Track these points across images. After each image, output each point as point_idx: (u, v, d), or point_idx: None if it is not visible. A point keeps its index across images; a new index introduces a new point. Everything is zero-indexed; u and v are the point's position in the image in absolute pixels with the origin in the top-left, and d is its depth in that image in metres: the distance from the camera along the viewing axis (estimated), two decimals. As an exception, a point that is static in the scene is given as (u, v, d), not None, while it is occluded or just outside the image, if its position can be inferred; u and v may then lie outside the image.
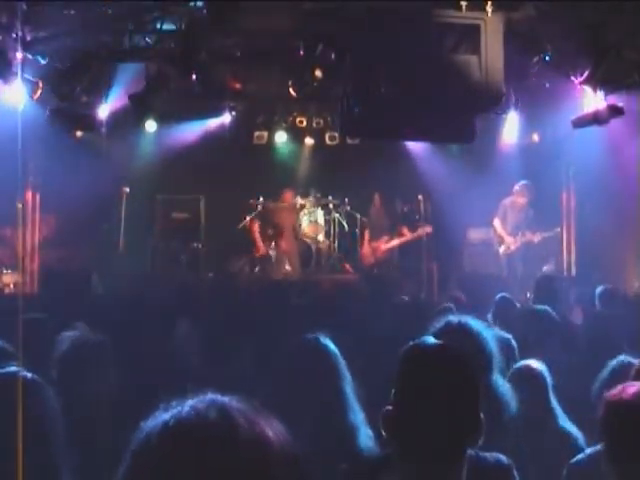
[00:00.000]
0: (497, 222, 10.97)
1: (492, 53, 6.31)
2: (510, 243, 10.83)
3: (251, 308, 5.94)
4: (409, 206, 11.85)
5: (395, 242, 11.52)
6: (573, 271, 11.37)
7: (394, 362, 2.02)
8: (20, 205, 8.87)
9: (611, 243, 10.06)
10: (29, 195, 10.46)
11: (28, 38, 6.96)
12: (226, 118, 10.92)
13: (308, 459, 1.19)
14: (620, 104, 7.56)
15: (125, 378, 3.44)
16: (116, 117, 8.93)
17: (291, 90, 8.92)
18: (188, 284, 7.86)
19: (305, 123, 11.72)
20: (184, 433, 1.09)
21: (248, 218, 11.91)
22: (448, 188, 11.05)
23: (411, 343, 2.07)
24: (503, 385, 3.04)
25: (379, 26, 6.33)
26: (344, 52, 7.10)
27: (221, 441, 1.08)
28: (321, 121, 11.72)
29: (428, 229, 11.30)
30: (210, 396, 1.15)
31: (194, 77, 7.79)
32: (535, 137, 11.48)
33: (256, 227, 11.57)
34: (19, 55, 6.96)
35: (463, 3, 6.29)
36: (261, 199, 11.95)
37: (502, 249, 10.91)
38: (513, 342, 4.02)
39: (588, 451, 2.76)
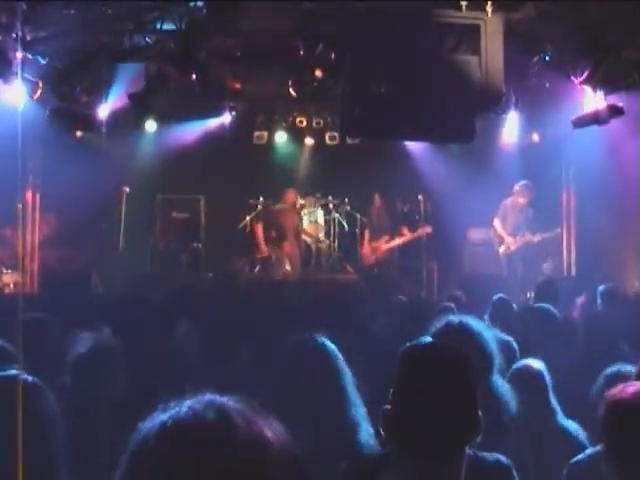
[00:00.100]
0: (497, 222, 10.97)
1: (492, 53, 6.31)
2: (510, 243, 10.83)
3: (251, 308, 5.94)
4: (409, 206, 11.85)
5: (395, 242, 11.52)
6: (573, 271, 11.38)
7: (394, 362, 2.03)
8: (20, 205, 8.87)
9: (611, 243, 10.06)
10: (29, 195, 10.46)
11: (28, 38, 6.96)
12: (226, 118, 10.91)
13: (308, 459, 1.18)
14: (620, 104, 7.56)
15: (125, 378, 3.44)
16: (116, 117, 8.92)
17: (291, 90, 8.93)
18: (188, 284, 7.85)
19: (305, 123, 11.71)
20: (182, 434, 1.09)
21: (248, 218, 11.91)
22: (448, 188, 11.05)
23: (409, 343, 2.08)
24: (503, 386, 3.04)
25: (379, 26, 6.33)
26: (344, 52, 7.10)
27: (219, 441, 1.08)
28: (321, 121, 11.71)
29: (428, 229, 11.30)
30: (208, 396, 1.15)
31: (194, 77, 7.79)
32: (535, 137, 11.48)
33: (259, 229, 11.55)
34: (19, 55, 6.96)
35: (463, 3, 6.29)
36: (261, 199, 11.95)
37: (502, 249, 10.90)
38: (514, 344, 4.02)
39: (588, 451, 2.76)
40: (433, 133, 7.13)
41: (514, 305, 6.23)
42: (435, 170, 11.33)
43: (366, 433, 2.79)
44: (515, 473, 2.29)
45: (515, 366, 3.51)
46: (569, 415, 3.45)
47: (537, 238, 10.78)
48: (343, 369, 3.02)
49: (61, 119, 8.16)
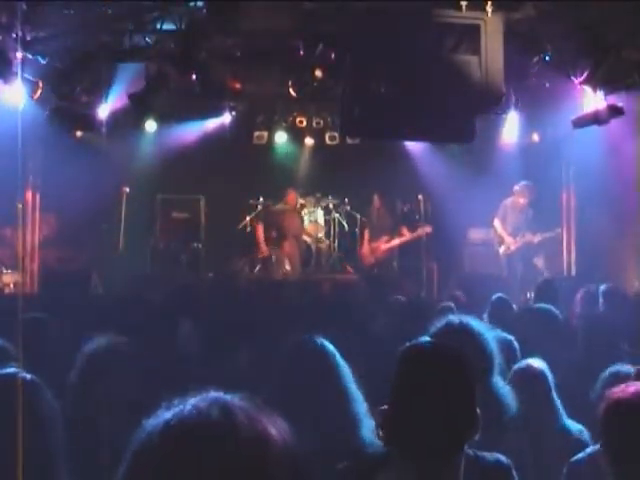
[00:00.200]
0: (497, 222, 10.97)
1: (492, 53, 6.31)
2: (510, 243, 10.82)
3: (251, 308, 5.94)
4: (409, 206, 11.85)
5: (394, 242, 11.51)
6: (573, 271, 11.38)
7: (394, 362, 2.03)
8: (20, 205, 8.86)
9: (611, 243, 10.06)
10: (29, 195, 10.46)
11: (28, 38, 6.95)
12: (226, 118, 10.92)
13: (310, 457, 1.19)
14: (620, 104, 7.56)
15: (137, 380, 3.43)
16: (116, 117, 8.92)
17: (291, 90, 8.92)
18: (188, 284, 7.85)
19: (305, 123, 11.72)
20: (185, 431, 1.09)
21: (248, 218, 11.92)
22: (448, 188, 11.05)
23: (408, 344, 2.09)
24: (503, 387, 3.04)
25: (379, 26, 6.33)
26: (344, 52, 7.10)
27: (222, 439, 1.08)
28: (321, 121, 11.71)
29: (428, 229, 11.30)
30: (213, 394, 1.15)
31: (194, 77, 7.79)
32: (535, 137, 11.47)
33: (260, 230, 11.55)
34: (19, 55, 6.96)
35: (463, 3, 6.29)
36: (261, 199, 11.96)
37: (502, 249, 10.90)
38: (515, 344, 4.01)
39: (588, 450, 2.76)
40: (433, 133, 7.13)
41: (513, 305, 6.22)
42: (435, 170, 11.33)
43: (368, 429, 2.79)
44: (515, 473, 2.29)
45: (517, 366, 3.50)
46: (569, 415, 3.44)
47: (537, 238, 10.78)
48: (343, 369, 3.02)
49: (61, 119, 8.16)
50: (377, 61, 6.48)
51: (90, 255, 10.55)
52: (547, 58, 7.78)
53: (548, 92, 9.01)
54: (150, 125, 10.30)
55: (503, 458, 2.28)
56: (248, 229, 11.93)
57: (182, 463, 1.06)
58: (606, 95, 7.60)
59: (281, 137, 11.99)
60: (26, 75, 7.33)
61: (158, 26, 7.50)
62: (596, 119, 7.76)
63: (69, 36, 7.42)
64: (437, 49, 6.43)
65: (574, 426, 3.35)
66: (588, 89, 7.71)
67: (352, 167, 11.57)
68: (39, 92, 7.52)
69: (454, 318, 3.10)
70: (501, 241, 10.93)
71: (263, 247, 11.43)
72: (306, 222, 12.00)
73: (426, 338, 2.43)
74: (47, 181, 10.36)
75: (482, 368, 2.86)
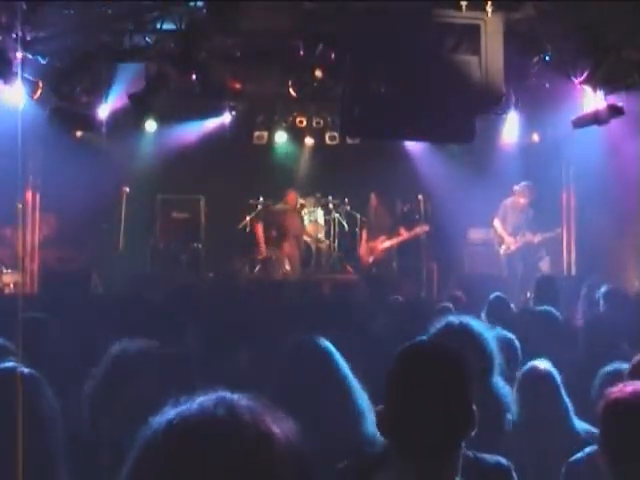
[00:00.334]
0: (497, 222, 10.97)
1: (492, 53, 6.31)
2: (510, 243, 10.82)
3: (251, 308, 5.94)
4: (409, 206, 11.85)
5: (392, 242, 11.49)
6: (573, 271, 11.38)
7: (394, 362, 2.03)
8: (20, 205, 8.87)
9: (611, 243, 10.06)
10: (29, 195, 10.46)
11: (28, 38, 6.95)
12: (226, 118, 10.92)
13: (316, 457, 1.19)
14: (620, 104, 7.55)
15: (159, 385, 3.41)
16: (116, 117, 8.92)
17: (291, 90, 8.92)
18: (188, 284, 7.85)
19: (305, 123, 11.72)
20: (190, 429, 1.09)
21: (249, 218, 11.92)
22: (448, 188, 11.05)
23: (404, 344, 2.09)
24: (503, 387, 3.04)
25: (379, 26, 6.33)
26: (344, 52, 7.10)
27: (227, 437, 1.08)
28: (321, 121, 11.71)
29: (425, 228, 11.29)
30: (218, 393, 1.16)
31: (194, 77, 7.79)
32: (535, 137, 11.47)
33: (260, 229, 11.55)
34: (19, 55, 6.95)
35: (463, 3, 6.29)
36: (261, 199, 11.96)
37: (502, 249, 10.90)
38: (516, 342, 4.01)
39: (587, 450, 2.75)
40: (433, 133, 7.13)
41: (511, 304, 6.22)
42: (435, 170, 11.33)
43: (372, 424, 2.79)
44: (515, 475, 2.28)
45: (524, 369, 3.48)
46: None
47: (537, 238, 10.78)
48: (343, 368, 3.02)
49: (61, 119, 8.16)
50: (377, 61, 6.49)
51: (90, 255, 10.55)
52: (547, 58, 7.78)
53: (548, 92, 9.01)
54: (150, 125, 10.30)
55: (503, 460, 2.27)
56: (248, 229, 11.93)
57: (187, 461, 1.06)
58: (606, 95, 7.60)
59: (281, 137, 11.99)
60: (26, 75, 7.32)
61: (158, 26, 7.50)
62: (596, 119, 7.77)
63: (69, 36, 7.42)
64: (437, 49, 6.43)
65: (582, 426, 3.33)
66: (588, 89, 7.71)
67: (352, 167, 11.57)
68: (39, 92, 7.52)
69: (454, 318, 3.10)
70: (501, 241, 10.93)
71: (263, 247, 11.43)
72: (306, 222, 12.00)
73: (422, 338, 2.44)
74: (47, 181, 10.36)
75: (482, 368, 2.86)
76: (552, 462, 2.97)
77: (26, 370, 2.34)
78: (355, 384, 2.96)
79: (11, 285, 9.85)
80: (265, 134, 11.97)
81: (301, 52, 7.68)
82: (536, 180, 10.82)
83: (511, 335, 4.01)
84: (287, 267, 11.31)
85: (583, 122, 8.15)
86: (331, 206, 12.25)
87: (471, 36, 6.37)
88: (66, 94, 7.88)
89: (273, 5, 6.80)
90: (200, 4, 7.04)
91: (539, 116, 10.38)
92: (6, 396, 2.00)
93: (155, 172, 11.30)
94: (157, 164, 11.16)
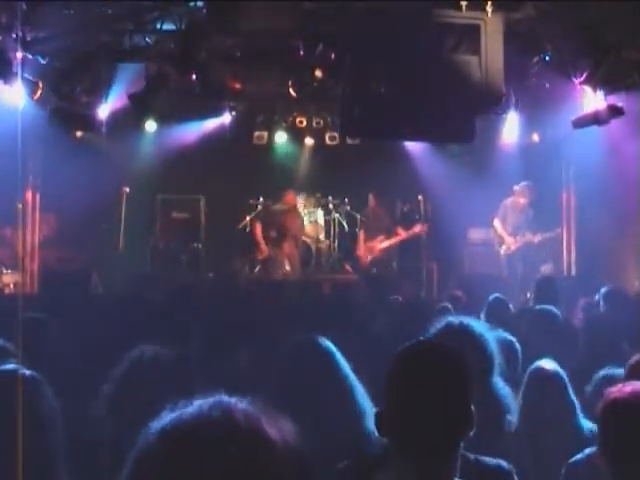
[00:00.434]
0: (497, 222, 10.97)
1: (492, 53, 6.31)
2: (510, 243, 10.82)
3: (251, 308, 5.94)
4: (409, 206, 11.85)
5: (390, 241, 11.48)
6: (573, 271, 11.38)
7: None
8: (20, 205, 8.87)
9: (611, 243, 10.06)
10: (29, 195, 10.46)
11: (28, 38, 6.95)
12: (226, 118, 10.92)
13: (312, 457, 1.19)
14: (620, 104, 7.55)
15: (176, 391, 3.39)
16: (116, 117, 8.92)
17: (291, 90, 8.92)
18: (188, 284, 7.85)
19: (305, 123, 11.71)
20: (186, 433, 1.10)
21: (248, 218, 11.92)
22: (448, 188, 11.05)
23: (403, 344, 2.09)
24: (503, 387, 3.04)
25: (379, 26, 6.33)
26: (344, 52, 7.10)
27: (223, 440, 1.08)
28: (321, 121, 11.71)
29: (423, 227, 11.28)
30: (216, 397, 1.16)
31: (194, 77, 7.79)
32: (535, 137, 11.47)
33: (259, 230, 11.55)
34: (19, 55, 6.95)
35: (463, 3, 6.29)
36: (261, 199, 11.96)
37: (502, 249, 10.90)
38: (516, 345, 4.01)
39: (587, 451, 2.75)
40: (433, 133, 7.13)
41: (510, 305, 6.22)
42: (435, 170, 11.32)
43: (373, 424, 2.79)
44: (516, 478, 2.28)
45: (531, 369, 3.47)
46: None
47: (537, 238, 10.78)
48: (344, 368, 3.02)
49: (61, 119, 8.16)
50: (377, 61, 6.49)
51: (90, 255, 10.55)
52: (547, 58, 7.78)
53: (548, 92, 9.01)
54: (150, 125, 10.30)
55: (504, 463, 2.26)
56: (248, 229, 11.94)
57: (183, 464, 1.07)
58: (606, 95, 7.60)
59: (281, 137, 11.98)
60: (26, 75, 7.32)
61: (158, 26, 7.50)
62: (596, 119, 7.77)
63: (69, 36, 7.42)
64: (437, 49, 6.43)
65: (589, 425, 3.32)
66: (588, 89, 7.71)
67: (352, 167, 11.57)
68: (39, 92, 7.52)
69: (454, 319, 3.10)
70: (501, 241, 10.93)
71: (262, 247, 11.42)
72: (306, 222, 11.99)
73: (422, 337, 2.44)
74: (47, 181, 10.36)
75: (482, 369, 2.86)
76: (559, 462, 2.97)
77: (27, 372, 2.34)
78: (356, 384, 2.96)
79: (11, 285, 9.84)
80: (265, 134, 11.97)
81: (301, 52, 7.68)
82: (536, 180, 10.82)
83: (511, 337, 4.01)
84: (287, 267, 11.31)
85: (583, 122, 8.15)
86: (331, 206, 12.25)
87: (471, 36, 6.37)
88: (66, 94, 7.88)
89: (273, 5, 6.80)
90: (200, 4, 7.04)
91: (539, 116, 10.38)
92: (6, 397, 2.00)
93: (155, 172, 11.30)
94: (157, 164, 11.15)
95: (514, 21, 6.76)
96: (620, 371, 3.34)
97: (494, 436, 2.63)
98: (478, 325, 3.09)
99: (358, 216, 12.08)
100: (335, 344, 3.11)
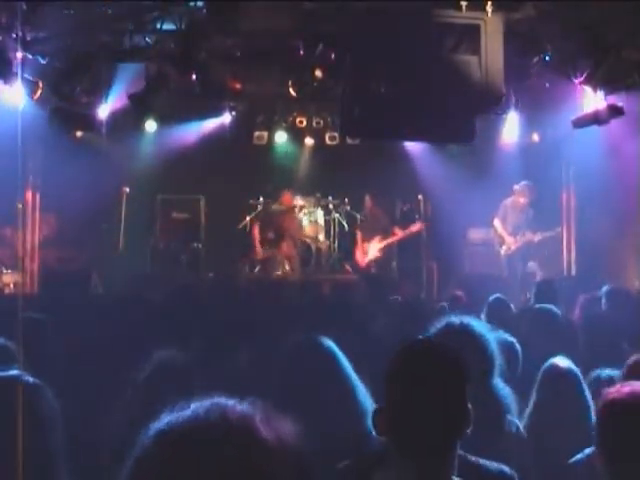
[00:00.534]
0: (497, 222, 10.97)
1: (492, 53, 6.31)
2: (511, 243, 10.82)
3: (251, 308, 5.93)
4: (409, 206, 11.85)
5: (387, 241, 11.47)
6: (573, 271, 11.38)
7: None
8: (20, 205, 8.86)
9: (611, 243, 10.07)
10: (29, 195, 10.46)
11: (28, 38, 6.95)
12: (226, 118, 10.93)
13: (312, 458, 1.19)
14: (620, 104, 7.56)
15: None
16: (116, 117, 8.92)
17: (291, 90, 8.92)
18: (188, 284, 7.85)
19: (305, 123, 11.72)
20: (183, 435, 1.10)
21: (248, 218, 11.92)
22: (448, 188, 11.05)
23: (402, 344, 2.09)
24: (504, 388, 3.03)
25: (379, 26, 6.33)
26: (344, 52, 7.10)
27: (219, 443, 1.08)
28: (321, 121, 11.71)
29: (421, 226, 11.28)
30: (213, 399, 1.16)
31: (194, 77, 7.79)
32: (535, 137, 11.48)
33: (256, 231, 11.55)
34: (19, 55, 6.95)
35: (463, 3, 6.29)
36: (261, 199, 11.95)
37: (503, 249, 10.90)
38: (517, 346, 4.00)
39: (587, 451, 2.75)
40: (433, 133, 7.12)
41: (511, 305, 6.22)
42: (435, 170, 11.32)
43: None
44: None
45: (545, 367, 3.47)
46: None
47: (537, 237, 10.78)
48: (344, 368, 3.02)
49: (61, 119, 8.16)
50: (377, 61, 6.48)
51: (90, 255, 10.55)
52: (547, 58, 7.78)
53: (548, 92, 9.01)
54: (150, 125, 10.30)
55: (507, 468, 2.25)
56: (248, 229, 11.94)
57: (180, 466, 1.07)
58: (606, 95, 7.61)
59: (281, 137, 11.99)
60: (26, 75, 7.32)
61: (158, 26, 7.50)
62: (596, 119, 7.77)
63: (69, 36, 7.42)
64: (437, 49, 6.43)
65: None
66: (588, 89, 7.71)
67: (352, 167, 11.57)
68: (39, 92, 7.52)
69: (455, 319, 3.09)
70: (502, 241, 10.93)
71: (258, 249, 11.43)
72: (306, 222, 11.98)
73: (420, 337, 2.44)
74: (47, 181, 10.36)
75: (482, 369, 2.85)
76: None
77: (31, 379, 2.34)
78: (358, 383, 2.96)
79: (11, 285, 9.85)
80: (265, 134, 11.97)
81: (301, 52, 7.68)
82: (536, 180, 10.82)
83: (512, 339, 4.01)
84: (287, 267, 11.31)
85: (583, 122, 8.15)
86: (331, 206, 12.24)
87: (471, 36, 6.37)
88: (66, 94, 7.88)
89: (273, 5, 6.80)
90: (200, 4, 7.04)
91: (539, 116, 10.38)
92: (7, 397, 1.99)
93: (155, 172, 11.30)
94: (157, 164, 11.15)
95: (514, 21, 6.76)
96: (615, 372, 3.34)
97: (494, 436, 2.62)
98: (479, 325, 3.08)
99: (358, 216, 12.07)
100: (335, 344, 3.11)
